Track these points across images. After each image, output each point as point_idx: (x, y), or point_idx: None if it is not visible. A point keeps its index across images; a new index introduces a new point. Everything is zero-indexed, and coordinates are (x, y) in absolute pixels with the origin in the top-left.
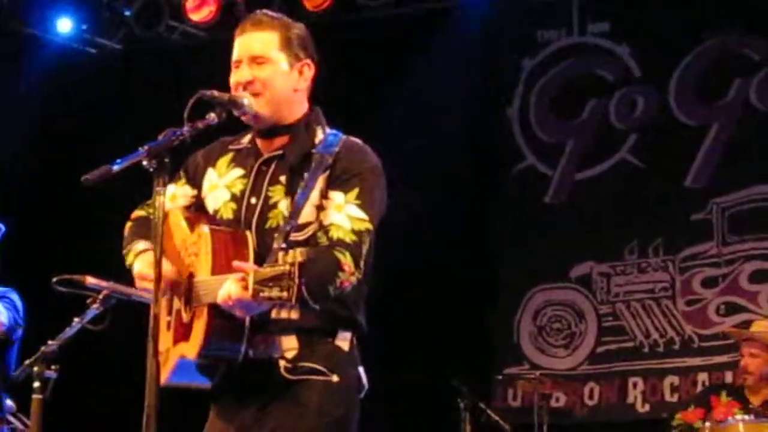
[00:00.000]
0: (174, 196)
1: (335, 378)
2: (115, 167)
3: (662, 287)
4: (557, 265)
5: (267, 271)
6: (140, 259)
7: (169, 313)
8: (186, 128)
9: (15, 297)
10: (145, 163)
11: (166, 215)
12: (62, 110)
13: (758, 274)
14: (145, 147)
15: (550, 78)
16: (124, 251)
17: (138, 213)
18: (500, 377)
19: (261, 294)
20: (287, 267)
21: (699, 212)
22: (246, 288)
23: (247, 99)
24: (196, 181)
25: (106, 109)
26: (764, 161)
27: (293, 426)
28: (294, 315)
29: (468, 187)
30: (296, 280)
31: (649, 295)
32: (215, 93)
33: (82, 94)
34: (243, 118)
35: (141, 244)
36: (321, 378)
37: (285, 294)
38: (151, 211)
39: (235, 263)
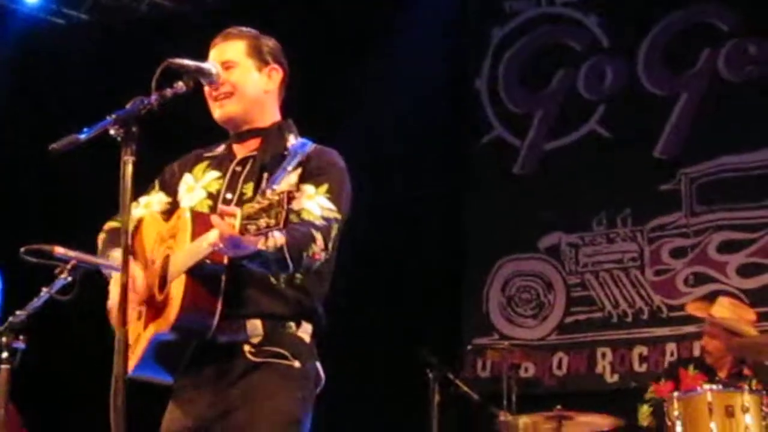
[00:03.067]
0: (149, 203)
1: (297, 364)
2: (83, 136)
3: (631, 257)
4: (526, 235)
5: (255, 206)
6: (114, 282)
7: (140, 304)
8: (154, 97)
9: None
10: (112, 131)
11: (140, 219)
12: (30, 81)
13: (727, 244)
14: (113, 116)
15: (519, 48)
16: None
17: (111, 224)
18: (469, 348)
19: (249, 227)
20: (276, 197)
21: (667, 182)
22: (233, 226)
23: (214, 68)
24: (171, 188)
25: (75, 79)
26: (733, 132)
27: (254, 406)
28: (280, 241)
29: (436, 158)
30: (284, 206)
31: (617, 265)
32: (183, 61)
33: (50, 64)
34: (219, 122)
35: (116, 252)
36: (283, 362)
37: (273, 221)
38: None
39: (221, 207)
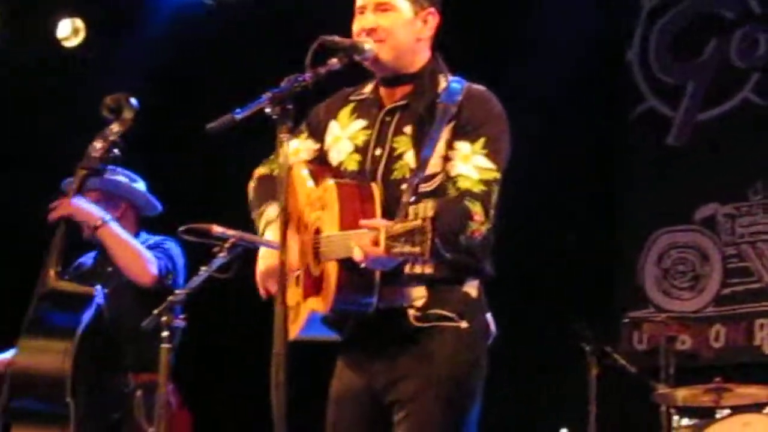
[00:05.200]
0: (297, 150)
1: (464, 324)
2: (238, 115)
3: None
4: (681, 207)
5: (398, 227)
6: (270, 231)
7: (297, 270)
8: (308, 74)
9: (171, 245)
10: (268, 110)
11: (290, 168)
12: (186, 60)
13: None
14: (268, 94)
15: (670, 18)
16: (253, 214)
17: (261, 171)
18: (626, 321)
19: (393, 250)
20: (419, 222)
21: None
22: (377, 244)
23: (368, 44)
24: (318, 135)
25: (228, 59)
26: None
27: (424, 373)
28: (428, 269)
29: (589, 131)
30: (429, 235)
31: None
32: (336, 39)
33: (204, 44)
34: (365, 64)
35: (271, 209)
36: (450, 324)
37: (418, 249)
38: (274, 167)
39: (363, 221)
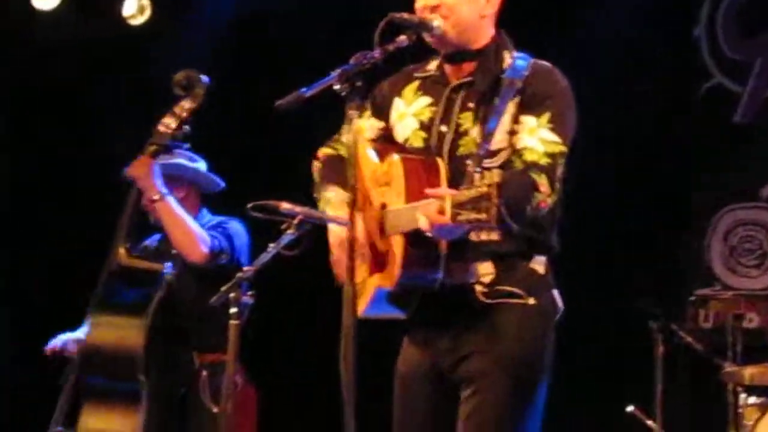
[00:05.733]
0: (361, 129)
1: (532, 301)
2: (307, 92)
3: None
4: (747, 184)
5: (464, 194)
6: (332, 232)
7: (363, 246)
8: (377, 51)
9: (232, 225)
10: (337, 86)
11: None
12: (258, 38)
13: None
14: (337, 70)
15: None
16: (315, 195)
17: (326, 151)
18: (692, 298)
19: (459, 217)
20: (485, 188)
21: None
22: (443, 212)
23: (437, 21)
24: (383, 113)
25: (293, 35)
26: None
27: (491, 350)
28: (494, 236)
29: (655, 107)
30: (495, 201)
31: None
32: (405, 15)
33: (269, 20)
34: (429, 41)
35: (331, 192)
36: (518, 301)
37: (484, 216)
38: (338, 147)
39: (429, 190)
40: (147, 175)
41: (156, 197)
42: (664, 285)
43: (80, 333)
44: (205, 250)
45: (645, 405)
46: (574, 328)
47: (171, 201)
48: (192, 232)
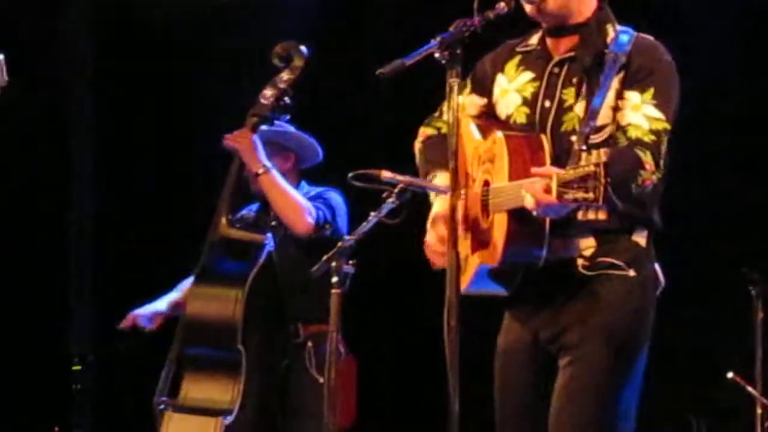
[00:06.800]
0: (462, 106)
1: (632, 273)
2: (408, 60)
3: None
4: None
5: (570, 172)
6: (438, 201)
7: (464, 223)
8: (477, 18)
9: (332, 195)
10: (437, 54)
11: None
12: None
13: None
14: (437, 38)
15: None
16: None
17: (426, 131)
18: None
19: (565, 196)
20: (592, 167)
21: None
22: (549, 191)
23: None
24: (484, 89)
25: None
26: None
27: (591, 320)
28: (601, 215)
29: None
30: (602, 180)
31: None
32: None
33: None
34: (530, 14)
35: (438, 179)
36: (619, 272)
37: (591, 195)
38: (439, 125)
39: (534, 169)
40: (249, 147)
41: (261, 171)
42: (764, 251)
43: (159, 305)
44: (311, 221)
45: (745, 371)
46: (677, 294)
47: (275, 173)
48: (297, 204)
